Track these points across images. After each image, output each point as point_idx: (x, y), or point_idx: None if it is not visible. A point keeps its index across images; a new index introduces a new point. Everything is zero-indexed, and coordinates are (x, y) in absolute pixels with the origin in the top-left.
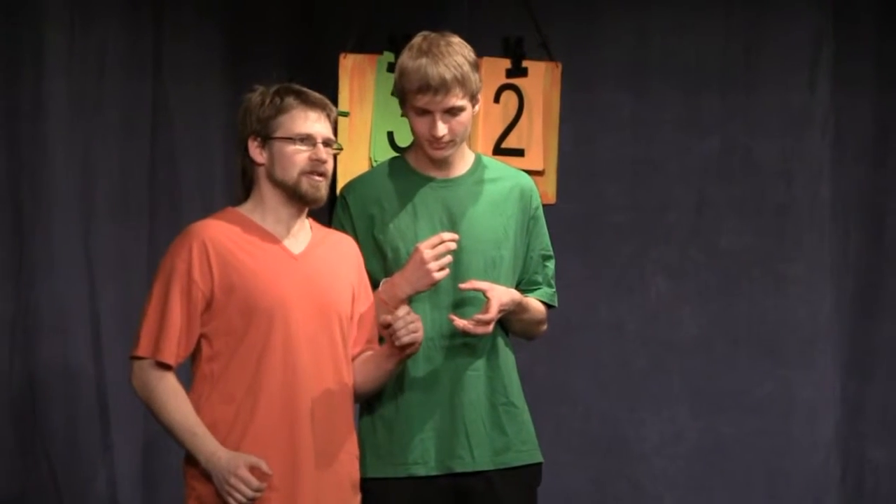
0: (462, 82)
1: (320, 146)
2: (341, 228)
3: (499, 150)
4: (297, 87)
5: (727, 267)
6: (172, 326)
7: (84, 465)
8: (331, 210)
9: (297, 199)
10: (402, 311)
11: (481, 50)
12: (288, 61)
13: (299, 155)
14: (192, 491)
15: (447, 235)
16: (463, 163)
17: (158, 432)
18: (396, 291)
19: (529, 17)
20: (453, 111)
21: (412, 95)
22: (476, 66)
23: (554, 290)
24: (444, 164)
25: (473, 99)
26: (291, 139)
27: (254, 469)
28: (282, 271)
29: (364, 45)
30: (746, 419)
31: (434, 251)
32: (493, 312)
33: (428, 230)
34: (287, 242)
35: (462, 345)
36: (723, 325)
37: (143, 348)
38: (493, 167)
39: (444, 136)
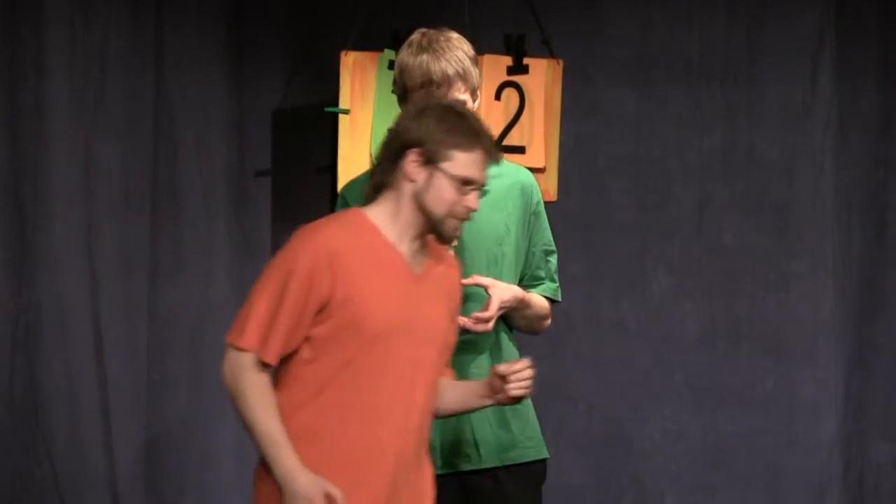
0: (464, 77)
1: (475, 193)
2: None
3: (500, 148)
4: (480, 123)
5: (729, 264)
6: (282, 327)
7: (85, 464)
8: (332, 209)
9: (434, 233)
10: (521, 364)
11: (482, 47)
12: (290, 58)
13: (456, 197)
14: (266, 498)
15: None
16: None
17: (159, 432)
18: None
19: (531, 15)
20: None
21: (415, 91)
22: (475, 62)
23: (557, 284)
24: None
25: (474, 94)
26: (457, 179)
27: (329, 498)
28: (401, 291)
29: (365, 43)
30: (748, 416)
31: None
32: (493, 310)
33: None
34: (409, 261)
35: (465, 342)
36: (725, 323)
37: (249, 340)
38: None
39: None
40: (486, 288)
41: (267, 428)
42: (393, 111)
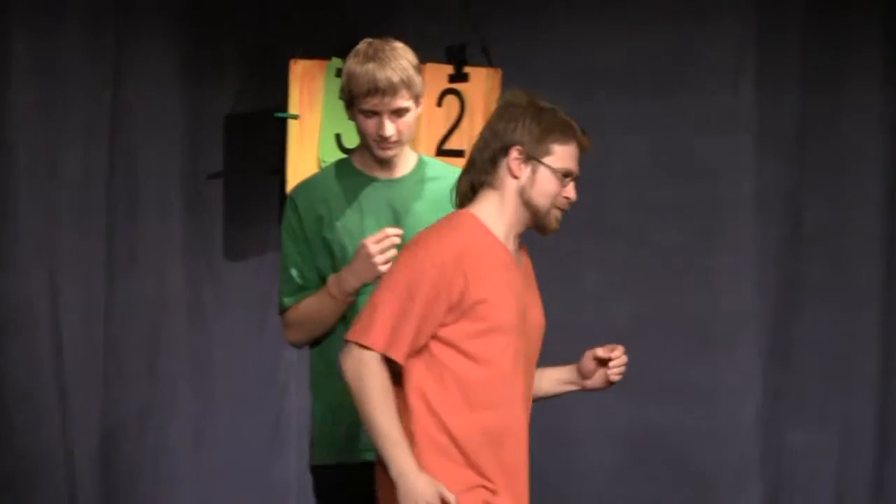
0: (408, 84)
1: (573, 184)
2: (291, 229)
3: (441, 152)
4: (567, 116)
5: (657, 260)
6: (411, 326)
7: (44, 459)
8: (281, 211)
9: (537, 226)
10: (619, 350)
11: (425, 56)
12: (241, 66)
13: (559, 189)
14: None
15: (391, 230)
16: (406, 163)
17: (116, 423)
18: (344, 286)
19: (472, 25)
20: (400, 112)
21: (361, 98)
22: (419, 70)
23: None
24: (388, 164)
25: (418, 100)
26: (559, 172)
27: (443, 500)
28: (516, 288)
29: (313, 51)
30: (673, 405)
31: (379, 245)
32: None
33: (374, 228)
34: (514, 256)
35: None
36: (652, 317)
37: (376, 340)
38: (435, 167)
39: (391, 135)
40: None
41: (387, 428)
42: (340, 117)
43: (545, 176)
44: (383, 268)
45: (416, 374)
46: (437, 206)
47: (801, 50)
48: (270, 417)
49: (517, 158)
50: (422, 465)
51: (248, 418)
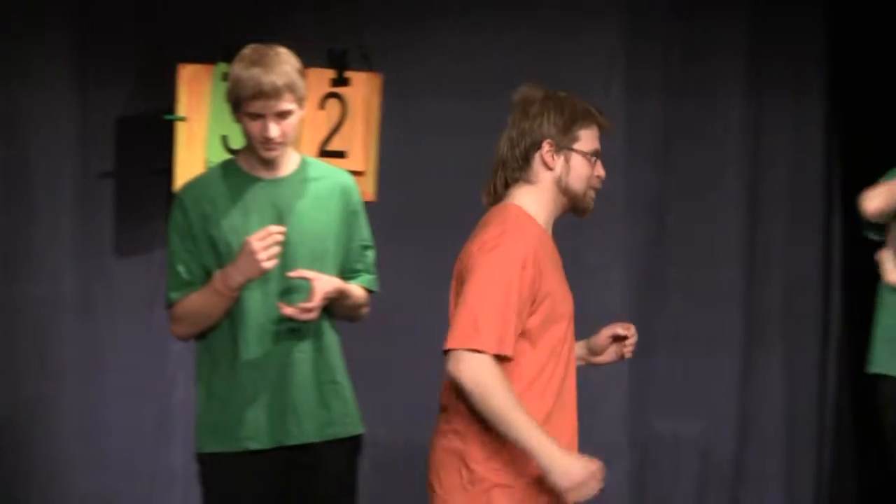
0: (292, 88)
1: (600, 163)
2: (178, 227)
3: (323, 153)
4: (581, 99)
5: None
6: (513, 322)
7: None
8: (169, 209)
9: (576, 209)
10: (633, 328)
11: (308, 61)
12: (132, 70)
13: (591, 170)
14: (495, 486)
15: (275, 228)
16: (289, 164)
17: (6, 417)
18: (229, 282)
19: (354, 32)
20: (284, 115)
21: (247, 101)
22: (302, 74)
23: (374, 276)
24: (272, 164)
25: (301, 103)
26: (588, 154)
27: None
28: (563, 276)
29: (201, 56)
30: None
31: (263, 243)
32: (316, 300)
33: (258, 226)
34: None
35: (290, 329)
36: None
37: (487, 342)
38: (317, 167)
39: (276, 137)
40: (310, 280)
41: (524, 421)
42: (226, 119)
43: (578, 161)
44: (267, 264)
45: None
46: (320, 205)
47: (667, 57)
48: (158, 408)
49: (549, 151)
50: (497, 453)
51: (136, 410)
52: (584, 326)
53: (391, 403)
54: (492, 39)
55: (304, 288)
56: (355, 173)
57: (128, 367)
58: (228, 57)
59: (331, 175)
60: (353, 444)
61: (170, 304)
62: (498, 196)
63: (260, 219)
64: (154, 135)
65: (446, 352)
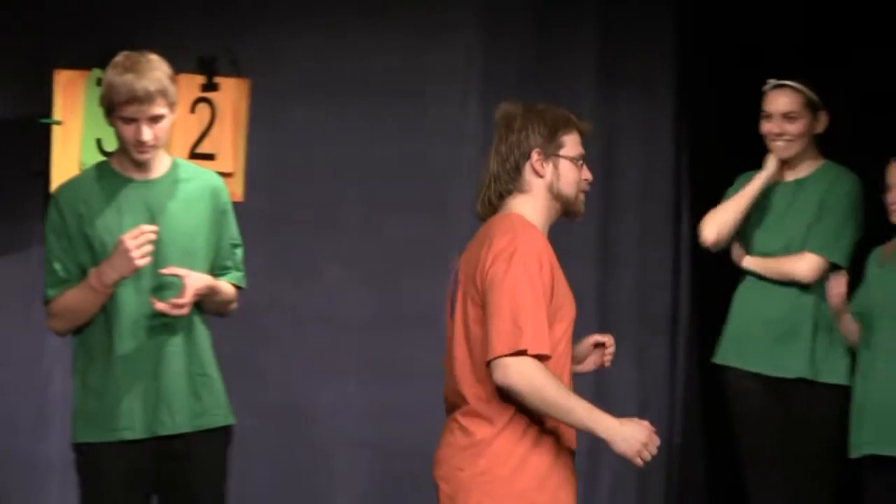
0: (164, 93)
1: (586, 167)
2: (55, 226)
3: (193, 155)
4: (560, 107)
5: (393, 255)
6: (545, 323)
7: None
8: (45, 210)
9: (569, 212)
10: (611, 338)
11: (178, 67)
12: (9, 75)
13: (578, 174)
14: (537, 468)
15: (147, 227)
16: (161, 165)
17: None
18: (104, 279)
19: (223, 39)
20: (156, 119)
21: (121, 106)
22: (173, 80)
23: (243, 273)
24: (145, 166)
25: (172, 108)
26: (575, 159)
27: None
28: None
29: (76, 62)
30: (408, 387)
31: (135, 241)
32: (188, 297)
33: (131, 225)
34: None
35: (163, 324)
36: (388, 306)
37: (531, 345)
38: (188, 169)
39: (149, 140)
40: (181, 277)
41: (577, 404)
42: (100, 122)
43: (566, 167)
44: (140, 262)
45: None
46: (190, 206)
47: (521, 64)
48: (35, 401)
49: (538, 160)
50: (523, 437)
51: (14, 403)
52: (441, 323)
53: (259, 396)
54: (354, 43)
55: (176, 285)
56: (224, 175)
57: (5, 362)
58: (102, 63)
59: (200, 176)
60: (223, 435)
61: (47, 301)
62: (493, 208)
63: (133, 218)
64: (31, 138)
65: (489, 362)
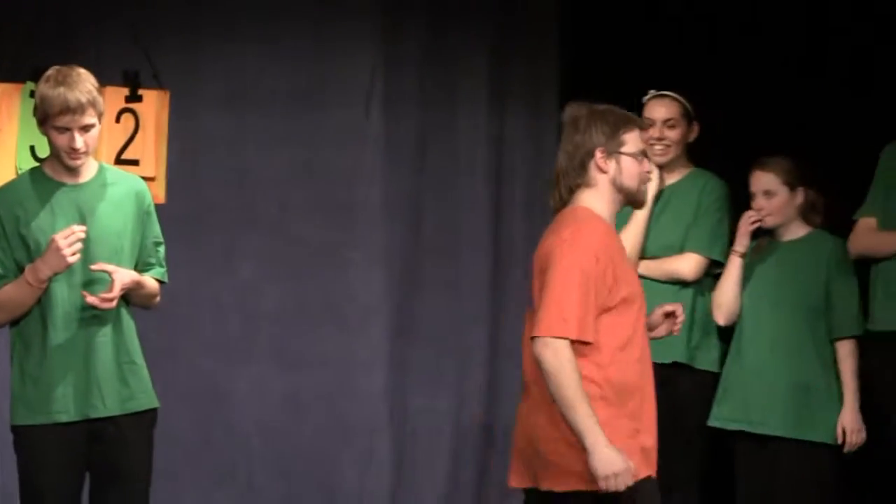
0: (93, 104)
1: (646, 160)
2: None
3: (119, 161)
4: (619, 108)
5: (303, 252)
6: (593, 310)
7: None
8: None
9: (633, 202)
10: (681, 307)
11: (105, 80)
12: None
13: (639, 167)
14: (574, 462)
15: (77, 227)
16: (89, 171)
17: None
18: (38, 274)
19: (145, 55)
20: (87, 128)
21: (54, 116)
22: (100, 92)
23: (165, 269)
24: (75, 171)
25: (100, 117)
26: (635, 155)
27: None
28: (630, 264)
29: (9, 76)
30: (317, 373)
31: (67, 240)
32: (116, 291)
33: (63, 225)
34: None
35: (93, 316)
36: (299, 299)
37: (570, 330)
38: (114, 174)
39: (81, 147)
40: (109, 273)
41: (583, 407)
42: (33, 131)
43: (628, 162)
44: (71, 259)
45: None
46: (117, 207)
47: (420, 77)
48: None
49: (602, 157)
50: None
51: None
52: (350, 315)
53: (180, 381)
54: (264, 56)
55: (105, 280)
56: (147, 179)
57: None
58: (35, 77)
59: (126, 180)
60: (149, 417)
61: None
62: (564, 202)
63: (64, 219)
64: None
65: (533, 338)
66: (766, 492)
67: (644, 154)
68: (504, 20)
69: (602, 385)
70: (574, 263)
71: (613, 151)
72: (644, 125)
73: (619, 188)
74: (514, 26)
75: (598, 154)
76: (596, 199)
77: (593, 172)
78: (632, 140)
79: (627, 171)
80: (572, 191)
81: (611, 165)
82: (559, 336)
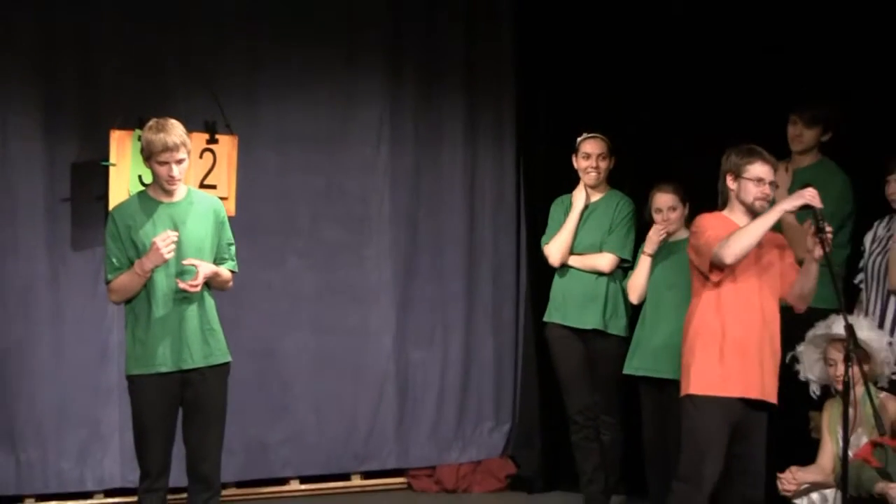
0: (184, 145)
1: (768, 186)
2: (112, 233)
3: (202, 185)
4: (754, 146)
5: (331, 251)
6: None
7: None
8: (105, 223)
9: (752, 214)
10: (829, 227)
11: (191, 127)
12: (80, 132)
13: (756, 190)
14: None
15: (171, 233)
16: (180, 193)
17: None
18: (144, 267)
19: (219, 109)
20: (180, 162)
21: (156, 154)
22: (189, 136)
23: (235, 262)
24: (171, 193)
25: (189, 155)
26: (754, 180)
27: None
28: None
29: (124, 124)
30: (342, 338)
31: (164, 242)
32: (200, 279)
33: (160, 231)
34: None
35: (184, 297)
36: (329, 284)
37: (717, 249)
38: (198, 195)
39: (176, 176)
40: (195, 266)
41: (756, 222)
42: (140, 165)
43: (746, 184)
44: (167, 256)
45: (705, 296)
46: (200, 218)
47: (415, 123)
48: (100, 347)
49: (731, 179)
50: (696, 354)
51: (85, 347)
52: (366, 294)
53: (245, 343)
54: (303, 107)
55: (192, 271)
56: (222, 198)
57: (80, 319)
58: (141, 125)
59: (207, 199)
60: (225, 368)
61: (107, 282)
62: (721, 207)
63: (162, 227)
64: (96, 174)
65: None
66: (663, 417)
67: (765, 182)
68: (475, 82)
69: (710, 331)
70: (703, 222)
71: (739, 176)
72: (770, 160)
73: (742, 201)
74: (482, 85)
75: (729, 177)
76: (730, 207)
77: (727, 189)
78: (752, 169)
79: (746, 191)
80: (724, 201)
81: (736, 185)
82: (716, 251)
